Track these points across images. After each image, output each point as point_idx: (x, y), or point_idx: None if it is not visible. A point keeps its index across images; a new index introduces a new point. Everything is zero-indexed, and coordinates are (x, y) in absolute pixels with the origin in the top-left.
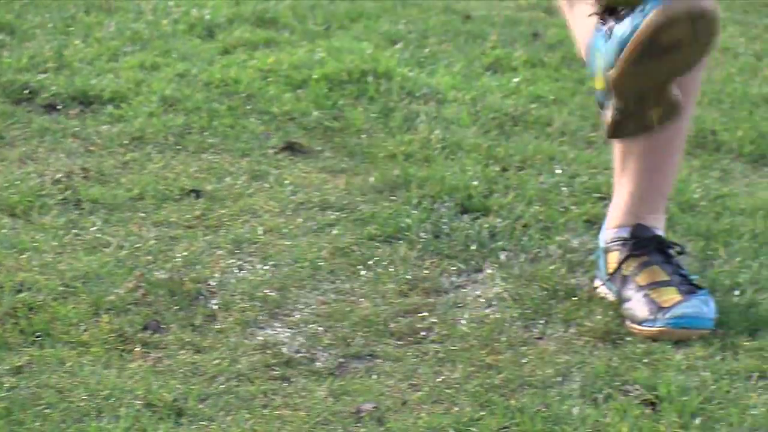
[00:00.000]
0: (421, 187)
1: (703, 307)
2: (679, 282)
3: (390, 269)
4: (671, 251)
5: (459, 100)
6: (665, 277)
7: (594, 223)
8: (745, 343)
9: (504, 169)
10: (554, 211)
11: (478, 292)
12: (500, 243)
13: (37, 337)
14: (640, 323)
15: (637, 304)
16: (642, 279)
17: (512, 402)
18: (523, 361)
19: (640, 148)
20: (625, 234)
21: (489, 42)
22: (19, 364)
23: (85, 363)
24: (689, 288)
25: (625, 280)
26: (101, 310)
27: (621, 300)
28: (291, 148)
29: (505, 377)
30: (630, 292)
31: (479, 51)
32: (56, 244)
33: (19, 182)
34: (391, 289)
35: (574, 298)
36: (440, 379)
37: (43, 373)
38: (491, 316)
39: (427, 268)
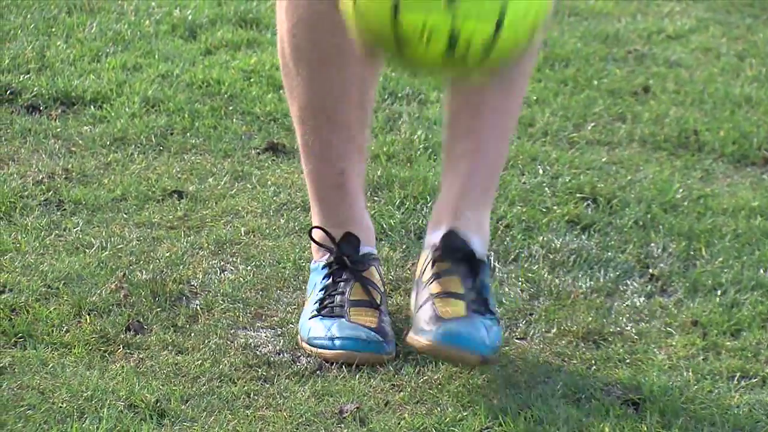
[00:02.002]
0: (404, 188)
1: (482, 331)
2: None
3: None
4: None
5: (441, 101)
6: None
7: (576, 224)
8: (727, 344)
9: None
10: (537, 212)
11: None
12: None
13: (19, 338)
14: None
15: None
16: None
17: (495, 402)
18: (506, 361)
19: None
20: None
21: None
22: (1, 365)
23: (67, 364)
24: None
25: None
26: (83, 311)
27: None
28: (273, 148)
29: (487, 377)
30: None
31: None
32: (38, 245)
33: (0, 183)
34: None
35: (556, 299)
36: (423, 380)
37: (25, 375)
38: None
39: (409, 269)
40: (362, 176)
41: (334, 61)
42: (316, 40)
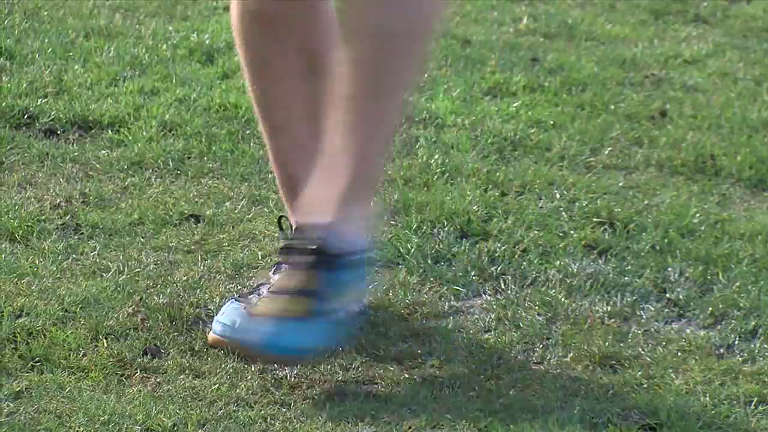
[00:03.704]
0: (421, 212)
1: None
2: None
3: (390, 294)
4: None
5: (458, 125)
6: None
7: (593, 248)
8: (744, 368)
9: (503, 194)
10: (553, 236)
11: (477, 317)
12: (499, 267)
13: (37, 362)
14: None
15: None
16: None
17: (512, 427)
18: (523, 385)
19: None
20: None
21: (488, 67)
22: (19, 389)
23: (84, 388)
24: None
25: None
26: (100, 335)
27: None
28: None
29: (504, 402)
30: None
31: (478, 76)
32: (55, 269)
33: (18, 207)
34: (391, 314)
35: (573, 323)
36: (439, 404)
37: (42, 399)
38: (490, 341)
39: (426, 293)
40: None
41: (267, 76)
42: (248, 57)
